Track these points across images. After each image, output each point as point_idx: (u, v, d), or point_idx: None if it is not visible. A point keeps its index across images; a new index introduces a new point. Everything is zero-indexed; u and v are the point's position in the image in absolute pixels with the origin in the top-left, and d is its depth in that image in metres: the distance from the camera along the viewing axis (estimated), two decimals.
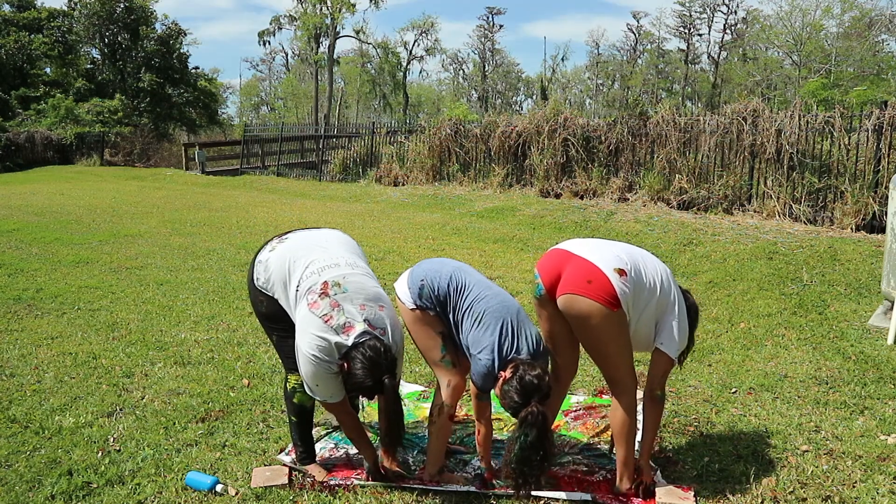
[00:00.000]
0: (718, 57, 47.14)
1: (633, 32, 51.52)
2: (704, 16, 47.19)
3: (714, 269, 6.62)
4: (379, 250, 7.48)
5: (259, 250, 2.84)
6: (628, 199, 10.24)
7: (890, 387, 3.75)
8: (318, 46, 42.38)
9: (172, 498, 2.64)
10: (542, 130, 11.32)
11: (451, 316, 2.69)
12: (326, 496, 2.65)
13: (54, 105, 25.84)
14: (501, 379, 2.49)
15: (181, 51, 33.33)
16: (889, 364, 4.08)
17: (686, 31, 47.71)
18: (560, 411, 3.38)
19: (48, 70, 31.34)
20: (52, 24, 30.52)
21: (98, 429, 3.20)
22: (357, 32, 43.27)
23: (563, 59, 53.72)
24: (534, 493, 2.58)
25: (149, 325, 4.82)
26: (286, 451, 2.97)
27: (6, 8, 30.69)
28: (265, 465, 2.87)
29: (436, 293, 2.69)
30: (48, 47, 29.54)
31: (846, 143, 8.47)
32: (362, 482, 2.72)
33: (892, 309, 4.76)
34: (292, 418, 2.83)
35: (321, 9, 39.93)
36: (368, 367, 2.45)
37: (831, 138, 8.61)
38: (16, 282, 6.05)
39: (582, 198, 10.73)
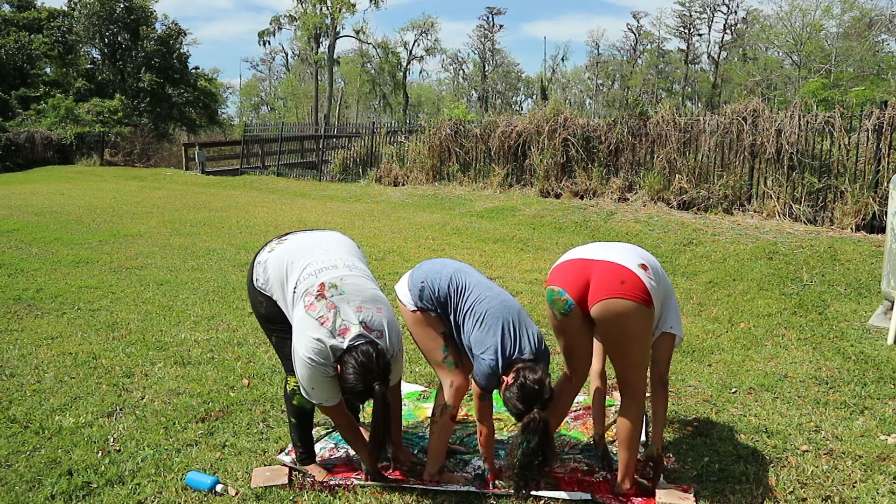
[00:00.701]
0: (718, 57, 47.15)
1: (633, 32, 51.53)
2: (704, 16, 47.21)
3: (714, 269, 6.62)
4: (379, 250, 7.48)
5: (259, 251, 2.84)
6: (628, 199, 10.24)
7: (890, 387, 3.75)
8: (318, 46, 42.38)
9: (172, 498, 2.64)
10: (542, 130, 11.33)
11: (451, 317, 2.69)
12: (326, 496, 2.65)
13: (54, 105, 25.85)
14: (504, 384, 2.50)
15: (181, 51, 33.34)
16: (889, 364, 4.08)
17: (686, 31, 47.71)
18: None
19: (48, 70, 31.35)
20: (52, 24, 30.53)
21: (98, 429, 3.20)
22: (357, 32, 43.28)
23: (563, 59, 53.75)
24: (533, 492, 2.59)
25: (149, 325, 4.82)
26: (286, 451, 2.97)
27: (6, 8, 30.70)
28: (265, 465, 2.87)
29: (436, 294, 2.69)
30: (48, 47, 29.55)
31: (846, 143, 8.47)
32: (362, 482, 2.72)
33: (892, 309, 4.76)
34: (292, 420, 2.83)
35: (321, 9, 39.93)
36: (360, 373, 2.44)
37: (831, 138, 8.61)
38: (16, 282, 6.05)
39: (582, 198, 10.73)
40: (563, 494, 2.63)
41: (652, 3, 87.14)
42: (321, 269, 2.63)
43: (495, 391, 2.60)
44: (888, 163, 8.08)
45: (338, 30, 40.85)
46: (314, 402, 2.62)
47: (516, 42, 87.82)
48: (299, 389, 2.70)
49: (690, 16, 47.02)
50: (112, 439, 3.10)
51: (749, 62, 43.13)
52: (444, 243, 8.09)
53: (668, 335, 2.70)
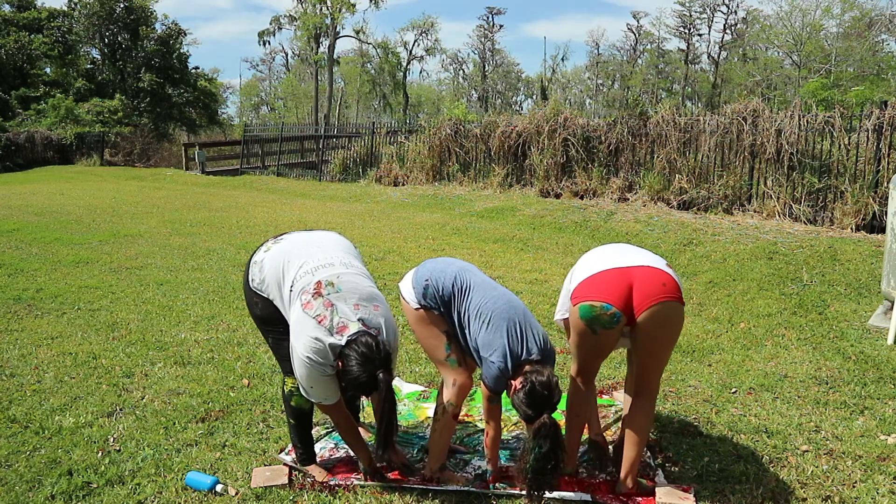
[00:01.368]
0: (718, 57, 47.14)
1: (633, 32, 51.52)
2: (704, 16, 47.20)
3: (714, 269, 6.62)
4: (379, 250, 7.48)
5: (255, 252, 2.85)
6: (628, 199, 10.24)
7: (890, 387, 3.75)
8: (318, 46, 42.38)
9: (172, 498, 2.64)
10: (542, 130, 11.32)
11: (454, 317, 2.69)
12: (326, 496, 2.65)
13: (54, 105, 25.85)
14: (513, 389, 2.50)
15: (181, 51, 33.35)
16: (889, 364, 4.08)
17: (686, 31, 47.71)
18: (561, 412, 3.39)
19: (48, 70, 31.35)
20: (52, 24, 30.53)
21: (98, 429, 3.20)
22: (357, 32, 43.28)
23: (563, 59, 53.73)
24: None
25: (149, 325, 4.82)
26: (286, 451, 2.97)
27: (6, 8, 30.70)
28: (265, 465, 2.87)
29: (440, 293, 2.70)
30: (48, 47, 29.55)
31: (846, 143, 8.47)
32: (362, 482, 2.72)
33: (892, 309, 4.76)
34: (291, 420, 2.82)
35: (321, 9, 39.93)
36: (362, 363, 2.44)
37: (831, 138, 8.61)
38: (16, 282, 6.05)
39: (582, 198, 10.73)
40: (563, 495, 2.63)
41: (652, 3, 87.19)
42: (317, 267, 2.63)
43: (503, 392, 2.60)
44: (888, 163, 8.08)
45: (338, 30, 40.86)
46: (313, 400, 2.62)
47: (516, 42, 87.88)
48: (297, 390, 2.70)
49: (690, 16, 47.02)
50: (112, 439, 3.10)
51: (749, 62, 43.13)
52: (444, 243, 8.08)
53: None
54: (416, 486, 2.69)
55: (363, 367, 2.44)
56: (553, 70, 52.48)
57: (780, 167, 8.93)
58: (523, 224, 9.29)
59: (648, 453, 2.93)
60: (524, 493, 2.57)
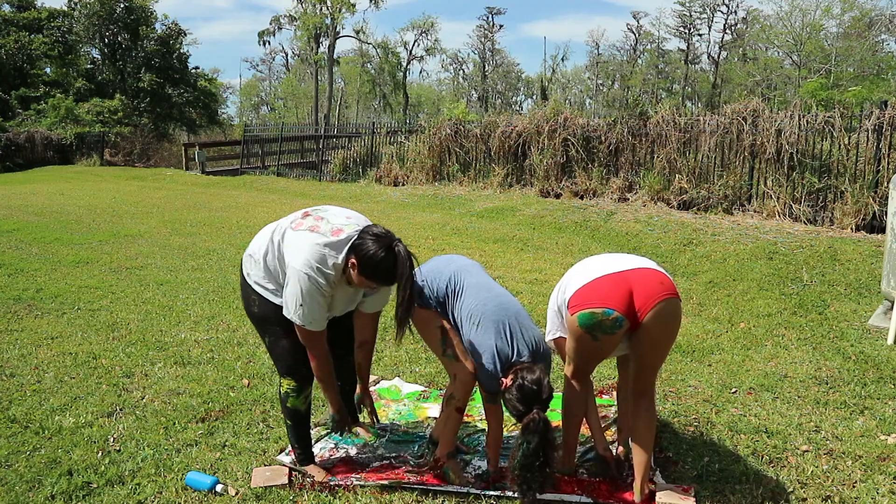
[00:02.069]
0: (718, 57, 47.15)
1: (633, 32, 51.53)
2: (704, 16, 47.22)
3: (714, 269, 6.62)
4: None
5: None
6: (628, 199, 10.24)
7: (890, 387, 3.75)
8: (318, 46, 42.38)
9: (172, 498, 2.64)
10: (542, 130, 11.32)
11: (450, 316, 2.71)
12: (326, 496, 2.65)
13: (54, 105, 25.85)
14: (503, 386, 2.51)
15: (181, 51, 33.36)
16: (889, 364, 4.08)
17: (686, 31, 47.72)
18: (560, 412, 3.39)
19: (48, 70, 31.35)
20: (52, 24, 30.53)
21: (98, 429, 3.20)
22: (357, 32, 43.31)
23: (563, 59, 53.78)
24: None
25: (149, 325, 4.82)
26: (286, 451, 2.97)
27: (6, 8, 30.71)
28: (265, 465, 2.86)
29: (435, 294, 2.73)
30: (48, 47, 29.55)
31: (846, 143, 8.47)
32: (362, 482, 2.72)
33: (892, 309, 4.76)
34: (288, 422, 2.81)
35: (321, 9, 39.94)
36: (377, 241, 2.47)
37: (831, 138, 8.60)
38: (16, 282, 6.05)
39: (582, 198, 10.73)
40: (563, 497, 2.62)
41: (652, 3, 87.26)
42: (302, 210, 2.73)
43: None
44: (888, 163, 8.08)
45: (338, 30, 40.87)
46: (299, 322, 2.55)
47: (516, 42, 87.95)
48: (292, 392, 2.71)
49: (690, 16, 47.03)
50: (112, 439, 3.10)
51: (749, 62, 43.15)
52: (444, 243, 8.08)
53: None
54: (416, 486, 2.69)
55: (379, 243, 2.47)
56: (553, 70, 52.50)
57: (780, 167, 8.93)
58: (523, 224, 9.29)
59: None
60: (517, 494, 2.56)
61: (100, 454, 2.96)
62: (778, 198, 8.84)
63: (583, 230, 8.76)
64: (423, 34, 47.16)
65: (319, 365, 2.66)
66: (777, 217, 8.72)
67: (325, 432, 3.19)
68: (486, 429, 2.71)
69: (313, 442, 2.96)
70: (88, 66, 32.41)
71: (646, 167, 10.29)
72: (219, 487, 2.67)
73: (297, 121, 43.82)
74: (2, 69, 28.48)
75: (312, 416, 2.98)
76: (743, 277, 6.24)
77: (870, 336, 4.64)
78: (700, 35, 48.51)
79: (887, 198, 5.73)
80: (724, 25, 46.50)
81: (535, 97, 52.18)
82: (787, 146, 8.83)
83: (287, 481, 2.72)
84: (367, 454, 3.00)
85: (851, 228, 7.99)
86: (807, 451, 3.03)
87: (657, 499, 2.59)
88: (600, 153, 10.83)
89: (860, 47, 31.89)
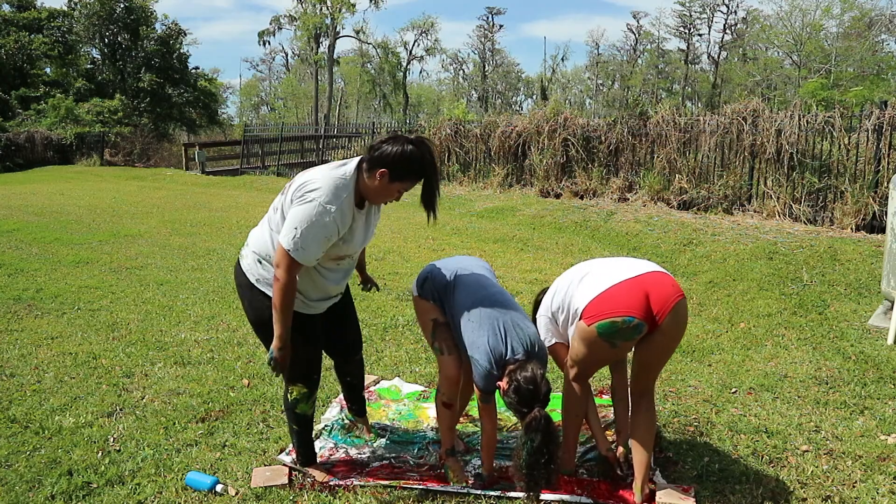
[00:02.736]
0: (718, 57, 47.14)
1: (633, 32, 51.53)
2: (704, 16, 47.21)
3: (714, 269, 6.62)
4: (379, 250, 7.48)
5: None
6: (628, 199, 10.24)
7: (890, 387, 3.75)
8: (318, 46, 42.39)
9: (172, 498, 2.64)
10: (542, 130, 11.32)
11: (448, 313, 2.73)
12: (326, 496, 2.65)
13: (54, 105, 25.85)
14: (501, 390, 2.52)
15: (181, 51, 33.37)
16: (889, 364, 4.08)
17: (686, 31, 47.72)
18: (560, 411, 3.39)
19: (48, 70, 31.36)
20: (52, 24, 30.54)
21: (98, 429, 3.20)
22: (357, 32, 43.31)
23: (562, 59, 53.81)
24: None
25: (149, 325, 4.82)
26: (286, 451, 2.97)
27: (6, 8, 30.71)
28: (265, 465, 2.86)
29: (435, 289, 2.77)
30: (48, 47, 29.55)
31: (846, 143, 8.47)
32: (362, 482, 2.72)
33: (892, 309, 4.76)
34: (294, 427, 2.79)
35: (321, 9, 39.94)
36: (394, 142, 2.43)
37: (831, 138, 8.61)
38: (16, 282, 6.04)
39: (582, 198, 10.73)
40: (563, 497, 2.62)
41: (652, 3, 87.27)
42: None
43: (497, 393, 2.60)
44: (888, 163, 8.08)
45: (338, 30, 40.87)
46: (287, 246, 2.39)
47: (516, 42, 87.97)
48: (302, 398, 2.70)
49: (690, 16, 47.03)
50: (112, 439, 3.10)
51: (749, 62, 43.14)
52: (444, 243, 8.08)
53: None
54: (416, 486, 2.69)
55: (396, 142, 2.43)
56: (553, 70, 52.50)
57: (780, 167, 8.93)
58: (523, 224, 9.29)
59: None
60: (523, 493, 2.56)
61: (100, 454, 2.96)
62: (778, 198, 8.84)
63: (583, 230, 8.76)
64: (423, 34, 47.18)
65: (285, 292, 2.43)
66: (777, 217, 8.72)
67: (326, 433, 3.19)
68: (481, 430, 2.71)
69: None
70: (88, 66, 32.41)
71: (646, 167, 10.30)
72: (219, 487, 2.67)
73: (297, 121, 43.83)
74: (2, 69, 28.49)
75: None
76: (743, 277, 6.24)
77: (870, 336, 4.64)
78: (700, 35, 48.54)
79: (887, 198, 5.73)
80: (724, 25, 46.52)
81: (535, 97, 52.20)
82: (787, 146, 8.83)
83: (287, 481, 2.72)
84: (367, 454, 3.00)
85: (851, 228, 7.99)
86: (807, 451, 3.03)
87: (657, 499, 2.59)
88: (600, 153, 10.83)
89: (860, 47, 31.88)
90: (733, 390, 3.73)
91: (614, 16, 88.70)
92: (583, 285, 2.64)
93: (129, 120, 27.58)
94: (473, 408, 3.41)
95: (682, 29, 47.76)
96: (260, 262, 2.60)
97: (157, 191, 14.38)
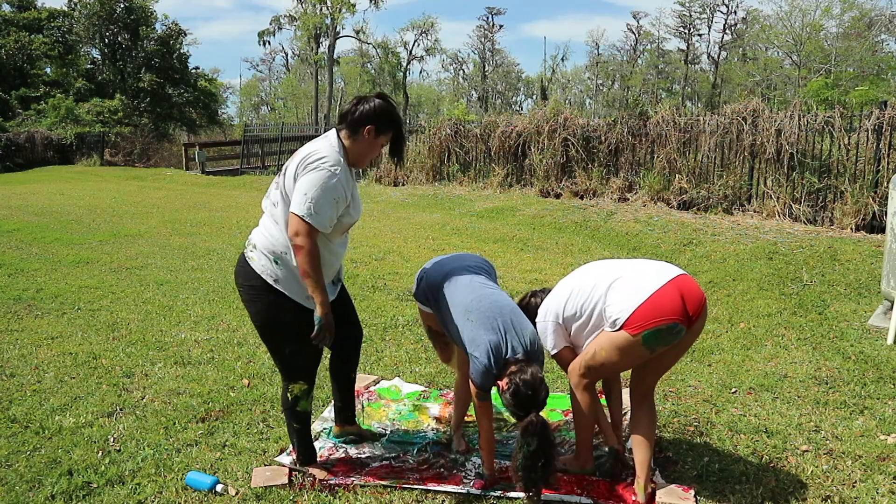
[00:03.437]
0: (718, 57, 47.15)
1: (633, 32, 51.54)
2: (704, 16, 47.22)
3: (714, 269, 6.62)
4: (379, 250, 7.48)
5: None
6: (628, 199, 10.24)
7: (890, 387, 3.75)
8: (318, 46, 42.38)
9: (172, 498, 2.64)
10: (542, 130, 11.32)
11: (444, 313, 2.73)
12: (326, 496, 2.65)
13: (54, 105, 25.85)
14: (501, 390, 2.52)
15: (181, 51, 33.38)
16: (889, 364, 4.08)
17: (686, 31, 47.72)
18: (560, 411, 3.39)
19: (48, 70, 31.37)
20: (52, 24, 30.55)
21: (98, 429, 3.20)
22: (357, 32, 43.27)
23: (562, 59, 53.79)
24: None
25: (149, 325, 4.82)
26: (286, 451, 2.97)
27: (6, 8, 30.72)
28: (265, 465, 2.87)
29: (429, 289, 2.80)
30: (48, 47, 29.56)
31: (846, 143, 8.47)
32: (362, 482, 2.72)
33: (892, 309, 4.76)
34: (294, 425, 2.78)
35: (321, 9, 39.92)
36: (364, 100, 2.61)
37: (831, 138, 8.60)
38: (16, 282, 6.05)
39: (582, 198, 10.73)
40: (563, 497, 2.63)
41: (652, 3, 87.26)
42: None
43: (495, 392, 2.60)
44: (888, 163, 8.08)
45: (338, 30, 40.85)
46: (301, 212, 2.43)
47: (516, 42, 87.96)
48: (302, 395, 2.70)
49: (690, 16, 47.03)
50: (112, 439, 3.10)
51: (749, 62, 43.15)
52: (444, 243, 8.08)
53: None
54: (416, 486, 2.69)
55: (367, 100, 2.60)
56: (553, 70, 52.49)
57: (780, 167, 8.93)
58: (523, 224, 9.29)
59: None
60: (522, 493, 2.56)
61: (100, 454, 2.96)
62: (778, 198, 8.84)
63: (583, 230, 8.76)
64: (423, 34, 47.16)
65: (311, 256, 2.46)
66: (777, 217, 8.72)
67: (326, 434, 3.19)
68: (479, 430, 2.71)
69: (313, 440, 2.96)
70: (88, 66, 32.43)
71: (646, 167, 10.30)
72: (219, 487, 2.67)
73: (297, 121, 43.76)
74: (2, 69, 28.49)
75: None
76: (743, 277, 6.24)
77: (870, 336, 4.64)
78: (700, 35, 48.55)
79: (887, 198, 5.73)
80: (724, 25, 46.53)
81: (535, 97, 52.19)
82: (787, 146, 8.83)
83: (287, 481, 2.72)
84: (367, 454, 3.00)
85: (851, 228, 7.99)
86: (807, 451, 3.03)
87: (657, 498, 2.59)
88: (600, 153, 10.83)
89: (860, 47, 31.88)
90: (733, 390, 3.73)
91: (614, 16, 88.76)
92: (616, 294, 2.57)
93: (129, 120, 27.59)
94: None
95: (681, 29, 47.77)
96: (276, 262, 2.56)
97: (157, 191, 14.38)
